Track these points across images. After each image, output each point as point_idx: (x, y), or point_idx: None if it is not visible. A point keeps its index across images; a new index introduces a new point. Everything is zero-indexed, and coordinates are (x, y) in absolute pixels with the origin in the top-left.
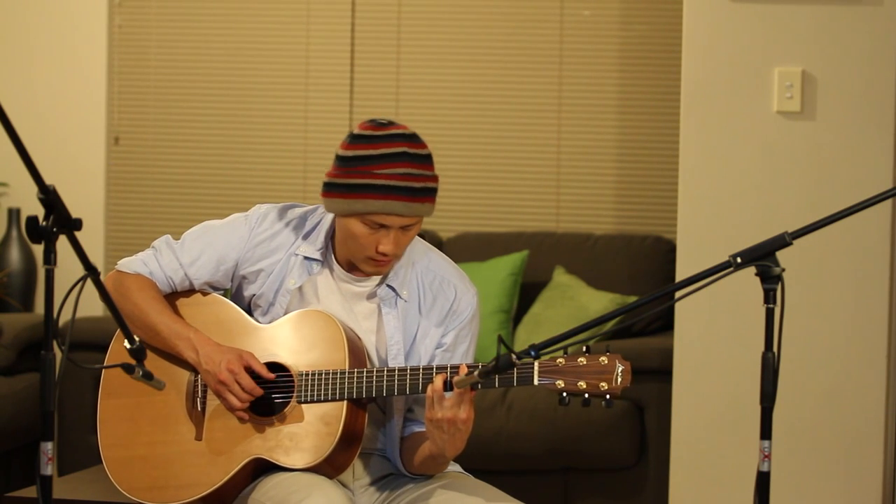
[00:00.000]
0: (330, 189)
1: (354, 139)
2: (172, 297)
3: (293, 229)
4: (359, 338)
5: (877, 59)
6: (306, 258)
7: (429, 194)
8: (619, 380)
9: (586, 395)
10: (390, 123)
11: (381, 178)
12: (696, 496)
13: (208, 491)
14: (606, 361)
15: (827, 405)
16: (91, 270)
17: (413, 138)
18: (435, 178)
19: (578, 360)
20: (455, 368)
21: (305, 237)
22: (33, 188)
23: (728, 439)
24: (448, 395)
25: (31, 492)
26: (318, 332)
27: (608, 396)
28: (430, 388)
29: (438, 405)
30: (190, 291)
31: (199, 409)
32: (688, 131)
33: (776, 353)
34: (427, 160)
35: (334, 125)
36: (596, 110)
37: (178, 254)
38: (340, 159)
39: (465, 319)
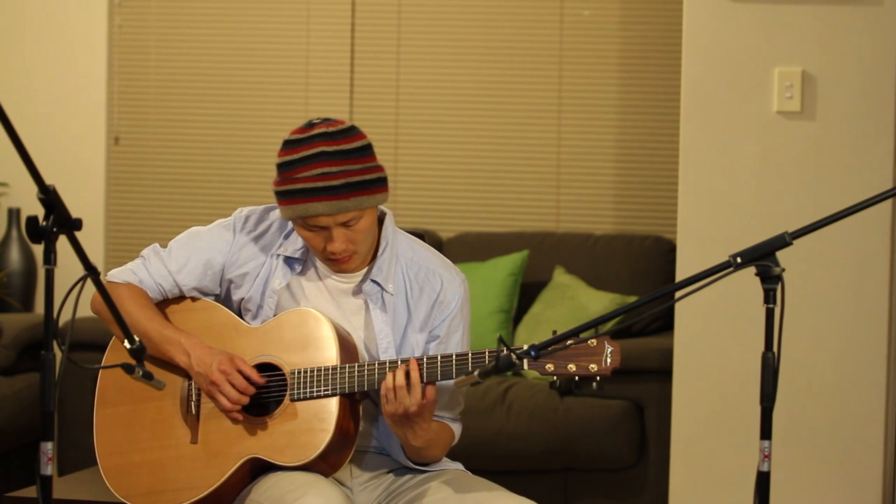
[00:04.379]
0: (275, 197)
1: (284, 145)
2: (163, 304)
3: (275, 231)
4: (349, 334)
5: (877, 59)
6: (287, 258)
7: (354, 189)
8: (609, 360)
9: (576, 378)
10: (323, 121)
11: (300, 182)
12: (696, 496)
13: (205, 493)
14: (595, 343)
15: (827, 405)
16: (91, 270)
17: (336, 135)
18: (366, 171)
19: (568, 342)
20: (405, 361)
21: (286, 237)
22: (33, 188)
23: (728, 439)
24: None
25: (31, 492)
26: (308, 331)
27: (598, 378)
28: (382, 386)
29: (390, 402)
30: (180, 298)
31: (193, 412)
32: (688, 131)
33: (776, 353)
34: (350, 155)
35: None
36: (596, 110)
37: (166, 261)
38: (276, 166)
39: (454, 308)
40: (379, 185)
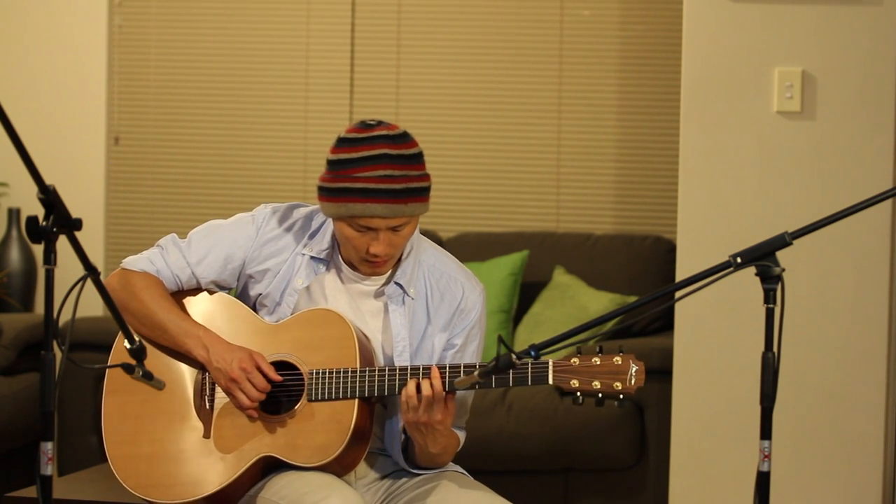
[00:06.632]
0: (321, 193)
1: (340, 143)
2: (179, 296)
3: (299, 229)
4: (367, 338)
5: (877, 59)
6: (313, 258)
7: (412, 195)
8: (633, 380)
9: (600, 395)
10: (379, 124)
11: (360, 182)
12: (696, 496)
13: (217, 488)
14: (620, 361)
15: (827, 405)
16: (91, 270)
17: (397, 139)
18: (422, 178)
19: (593, 360)
20: (427, 370)
21: (311, 237)
22: (33, 188)
23: (728, 439)
24: (420, 397)
25: (31, 492)
26: (328, 331)
27: (622, 396)
28: (403, 392)
29: (413, 410)
30: (196, 290)
31: (207, 406)
32: (688, 131)
33: (776, 353)
34: (411, 160)
35: (334, 125)
36: (596, 110)
37: (185, 252)
38: (328, 163)
39: (474, 318)
40: (428, 193)
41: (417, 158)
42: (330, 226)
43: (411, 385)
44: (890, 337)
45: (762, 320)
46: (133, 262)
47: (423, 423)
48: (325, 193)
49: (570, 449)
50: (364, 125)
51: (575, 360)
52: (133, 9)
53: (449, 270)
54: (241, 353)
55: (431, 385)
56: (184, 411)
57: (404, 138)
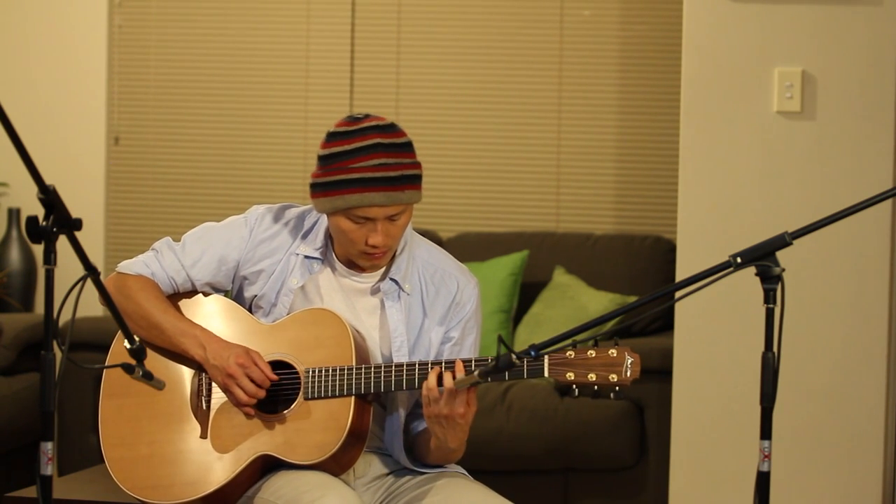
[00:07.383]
0: (314, 189)
1: (330, 137)
2: (175, 298)
3: (292, 229)
4: (363, 337)
5: (877, 59)
6: (307, 257)
7: (408, 182)
8: (629, 372)
9: (596, 388)
10: (366, 116)
11: (356, 172)
12: (696, 496)
13: (215, 488)
14: (616, 354)
15: (827, 405)
16: (91, 270)
17: (387, 129)
18: (415, 165)
19: (588, 352)
20: (451, 364)
21: (304, 237)
22: (33, 188)
23: (728, 439)
24: (441, 389)
25: (31, 492)
26: (323, 330)
27: (617, 388)
28: (424, 385)
29: (434, 403)
30: (192, 292)
31: (204, 406)
32: (688, 131)
33: (776, 353)
34: (403, 148)
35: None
36: (596, 110)
37: (180, 255)
38: (320, 158)
39: (469, 311)
40: (421, 181)
41: (409, 147)
42: (323, 224)
43: (432, 377)
44: (890, 337)
45: (762, 320)
46: (128, 265)
47: (444, 415)
48: (320, 189)
49: (570, 449)
50: (352, 119)
51: (570, 353)
52: (133, 9)
53: (443, 265)
54: (237, 349)
55: (454, 377)
56: (181, 412)
57: (394, 128)
